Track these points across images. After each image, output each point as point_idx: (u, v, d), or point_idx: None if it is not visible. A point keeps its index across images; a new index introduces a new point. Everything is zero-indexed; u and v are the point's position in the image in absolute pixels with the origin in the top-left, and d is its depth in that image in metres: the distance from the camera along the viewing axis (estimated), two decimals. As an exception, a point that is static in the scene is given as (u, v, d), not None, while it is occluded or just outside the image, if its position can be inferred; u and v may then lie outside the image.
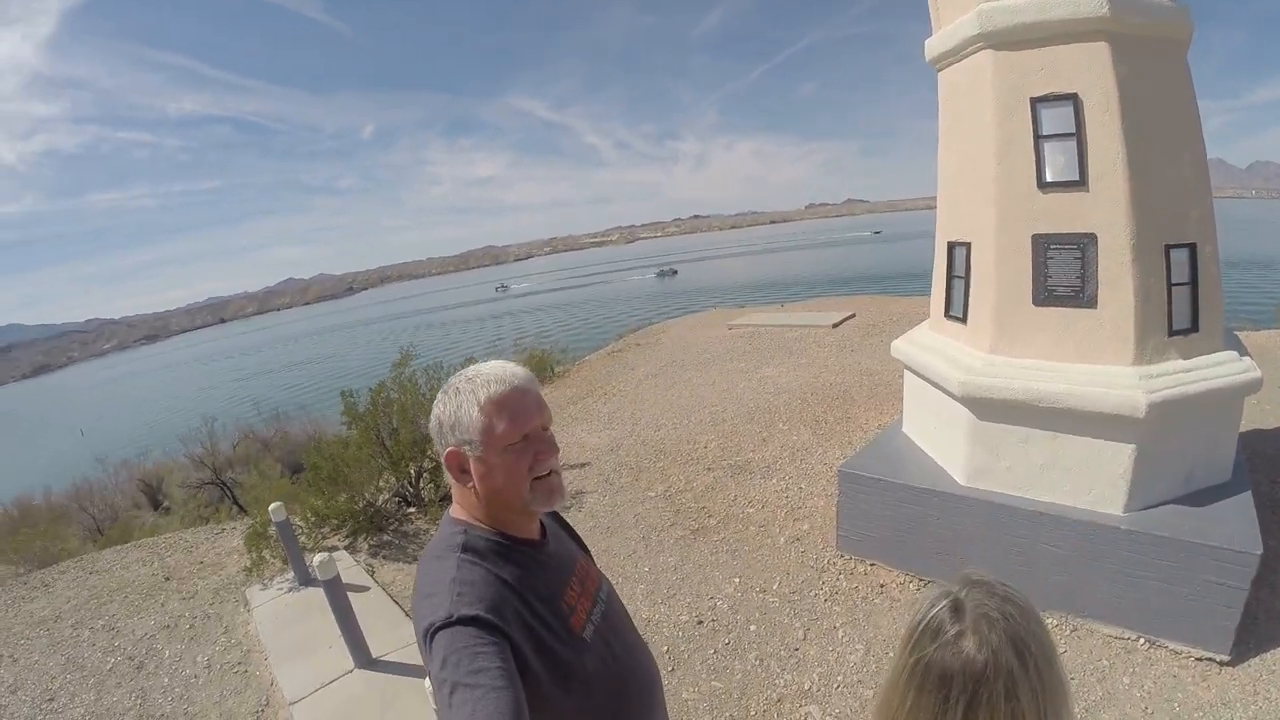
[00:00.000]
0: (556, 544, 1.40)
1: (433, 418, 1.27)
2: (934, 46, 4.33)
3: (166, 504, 15.12)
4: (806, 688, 3.55)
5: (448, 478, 1.27)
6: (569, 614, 1.28)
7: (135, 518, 13.41)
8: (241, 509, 12.41)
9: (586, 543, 1.63)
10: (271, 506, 5.11)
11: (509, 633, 1.11)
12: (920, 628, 0.89)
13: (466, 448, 1.22)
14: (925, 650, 0.86)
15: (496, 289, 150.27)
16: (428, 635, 1.09)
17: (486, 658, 1.02)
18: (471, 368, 1.29)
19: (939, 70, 4.42)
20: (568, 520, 1.62)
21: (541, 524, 1.39)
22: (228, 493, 14.64)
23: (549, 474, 1.27)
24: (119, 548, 6.72)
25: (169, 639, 4.76)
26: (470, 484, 1.24)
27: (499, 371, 1.26)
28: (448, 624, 1.07)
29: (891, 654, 0.94)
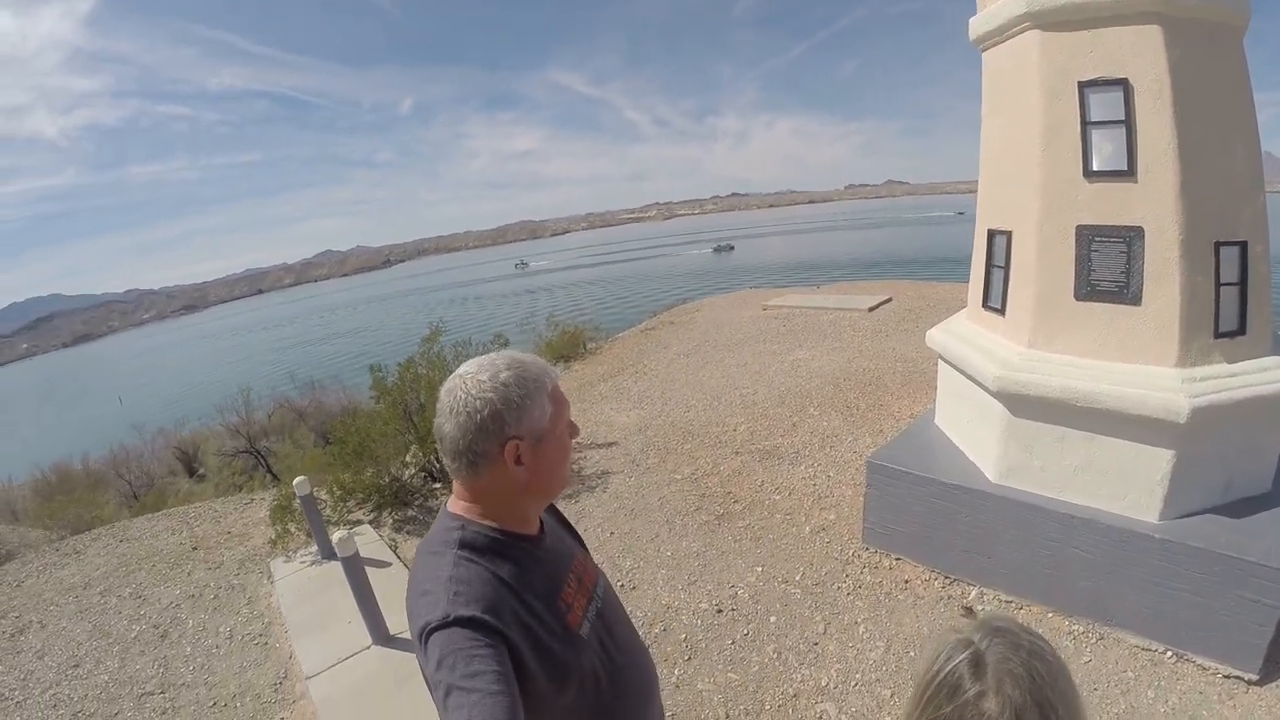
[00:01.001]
0: (554, 540, 1.39)
1: (478, 407, 1.17)
2: (978, 25, 4.14)
3: (201, 471, 15.51)
4: (824, 684, 3.50)
5: (460, 468, 1.21)
6: (566, 611, 1.26)
7: (171, 484, 13.78)
8: (275, 477, 12.66)
9: (590, 535, 1.60)
10: (296, 481, 5.18)
11: (506, 633, 1.09)
12: (936, 682, 0.81)
13: (530, 438, 1.20)
14: (942, 710, 0.79)
15: (516, 265, 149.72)
16: (423, 635, 1.08)
17: (483, 660, 1.01)
18: (487, 358, 1.25)
19: (983, 50, 4.23)
20: (565, 514, 1.61)
21: (540, 519, 1.37)
22: (262, 461, 14.95)
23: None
24: (150, 516, 6.90)
25: (193, 608, 4.87)
26: (521, 475, 1.21)
27: (537, 361, 1.27)
28: (444, 624, 1.06)
29: (903, 699, 0.87)
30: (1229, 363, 3.38)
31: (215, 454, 15.82)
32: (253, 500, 7.14)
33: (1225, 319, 3.38)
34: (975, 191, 4.53)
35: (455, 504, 1.27)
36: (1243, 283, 3.41)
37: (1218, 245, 3.32)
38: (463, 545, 1.19)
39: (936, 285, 14.88)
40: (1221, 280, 3.34)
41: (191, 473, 15.66)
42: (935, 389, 4.95)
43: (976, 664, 0.79)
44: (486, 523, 1.23)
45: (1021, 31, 3.71)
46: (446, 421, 1.19)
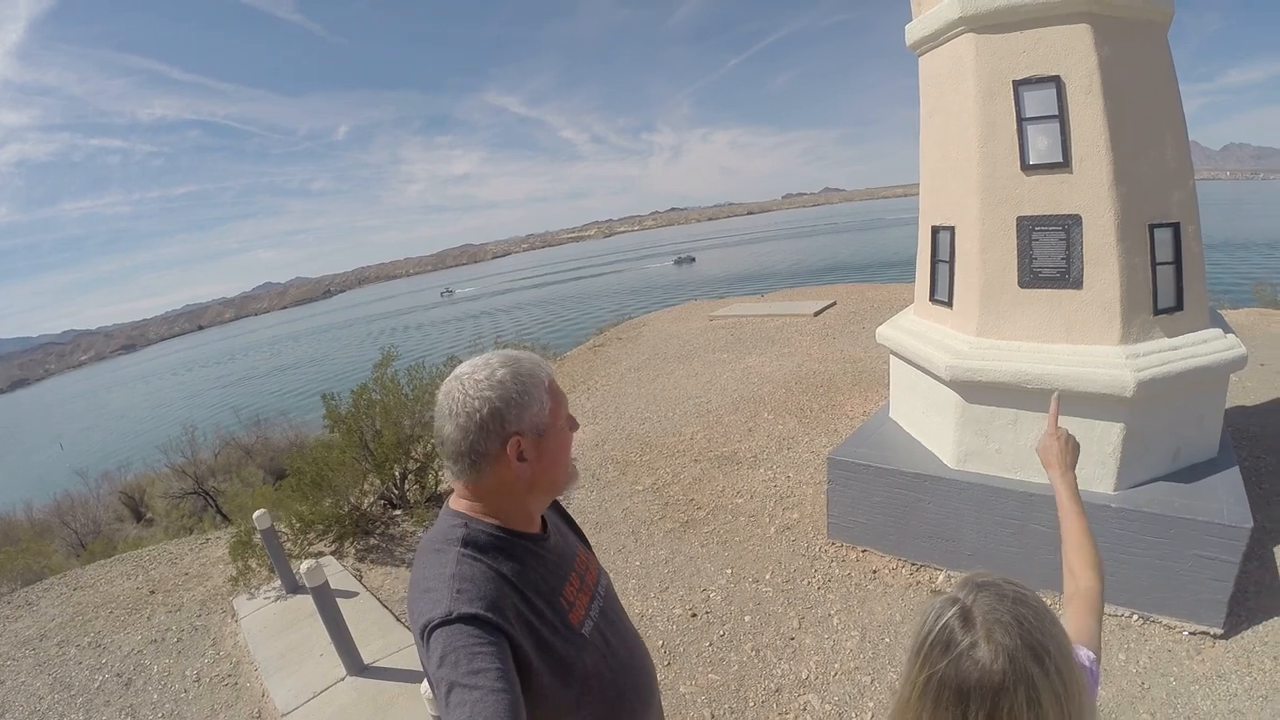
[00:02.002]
0: (557, 537, 1.38)
1: (476, 407, 1.17)
2: (915, 31, 4.31)
3: (149, 515, 14.91)
4: (804, 676, 3.54)
5: (462, 469, 1.20)
6: (568, 609, 1.26)
7: (118, 530, 13.20)
8: (225, 517, 12.23)
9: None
10: (256, 514, 5.02)
11: (509, 630, 1.09)
12: (929, 641, 0.84)
13: (531, 433, 1.20)
14: (938, 665, 0.81)
15: (442, 294, 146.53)
16: (425, 632, 1.07)
17: (485, 658, 1.00)
18: (483, 358, 1.25)
19: (920, 55, 4.40)
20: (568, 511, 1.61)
21: (542, 516, 1.36)
22: (210, 502, 14.45)
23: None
24: (102, 562, 6.58)
25: (157, 653, 4.66)
26: (524, 471, 1.21)
27: (532, 356, 1.26)
28: (446, 621, 1.05)
29: (897, 670, 0.89)
30: (1169, 337, 3.58)
31: (162, 496, 15.22)
32: (208, 540, 6.88)
33: (1163, 296, 3.58)
34: (913, 195, 4.67)
35: (457, 502, 1.26)
36: (1177, 262, 3.62)
37: (1151, 228, 3.53)
38: (465, 543, 1.18)
39: (879, 287, 15.30)
40: (1157, 260, 3.54)
41: (139, 517, 15.04)
42: (886, 388, 5.09)
43: (965, 617, 0.82)
44: (489, 520, 1.23)
45: (957, 35, 3.89)
46: (446, 424, 1.18)
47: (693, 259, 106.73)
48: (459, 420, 1.17)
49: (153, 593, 5.60)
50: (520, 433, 1.18)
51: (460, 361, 1.28)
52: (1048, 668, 0.77)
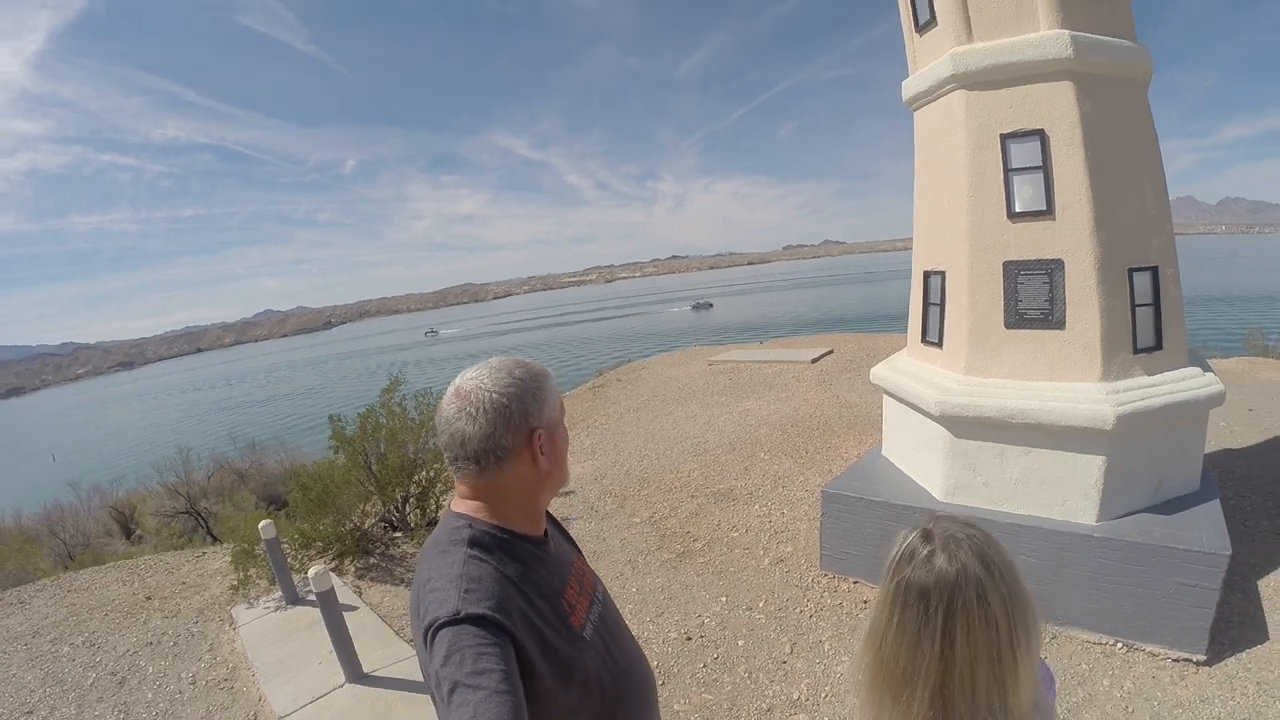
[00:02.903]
0: (556, 542, 1.40)
1: (500, 403, 1.20)
2: (910, 87, 4.60)
3: (139, 532, 14.80)
4: (795, 698, 3.62)
5: (483, 467, 1.22)
6: (570, 612, 1.28)
7: (106, 545, 13.09)
8: (215, 539, 12.17)
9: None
10: (261, 524, 5.11)
11: (513, 631, 1.10)
12: (898, 557, 1.01)
13: (546, 428, 1.25)
14: (904, 573, 0.98)
15: (426, 334, 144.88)
16: (430, 631, 1.07)
17: (490, 659, 1.01)
18: (488, 363, 1.29)
19: (915, 110, 4.69)
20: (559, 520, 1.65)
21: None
22: (201, 523, 14.37)
23: None
24: (97, 568, 6.62)
25: (152, 655, 4.70)
26: (543, 465, 1.25)
27: (533, 361, 1.31)
28: (454, 621, 1.06)
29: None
30: (1149, 375, 3.78)
31: (153, 514, 15.15)
32: (205, 554, 6.93)
33: (1142, 336, 3.79)
34: (909, 249, 4.93)
35: (460, 504, 1.27)
36: (1156, 303, 3.84)
37: (1131, 271, 3.75)
38: (472, 543, 1.19)
39: (876, 337, 15.58)
40: (1136, 302, 3.75)
41: (128, 534, 14.92)
42: (879, 431, 5.26)
43: (926, 535, 1.00)
44: (493, 522, 1.24)
45: (949, 92, 4.17)
46: (469, 424, 1.18)
47: (710, 304, 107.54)
48: (488, 416, 1.18)
49: (149, 598, 5.64)
50: (540, 427, 1.23)
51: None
52: (994, 574, 0.94)
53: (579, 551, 1.57)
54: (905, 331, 5.14)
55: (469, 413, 1.19)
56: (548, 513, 1.43)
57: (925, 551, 0.97)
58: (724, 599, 4.66)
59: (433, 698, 1.06)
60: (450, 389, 1.25)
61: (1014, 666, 0.93)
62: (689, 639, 4.25)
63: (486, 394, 1.20)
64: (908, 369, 4.70)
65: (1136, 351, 3.77)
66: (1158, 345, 3.85)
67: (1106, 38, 3.77)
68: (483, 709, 0.94)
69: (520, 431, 1.21)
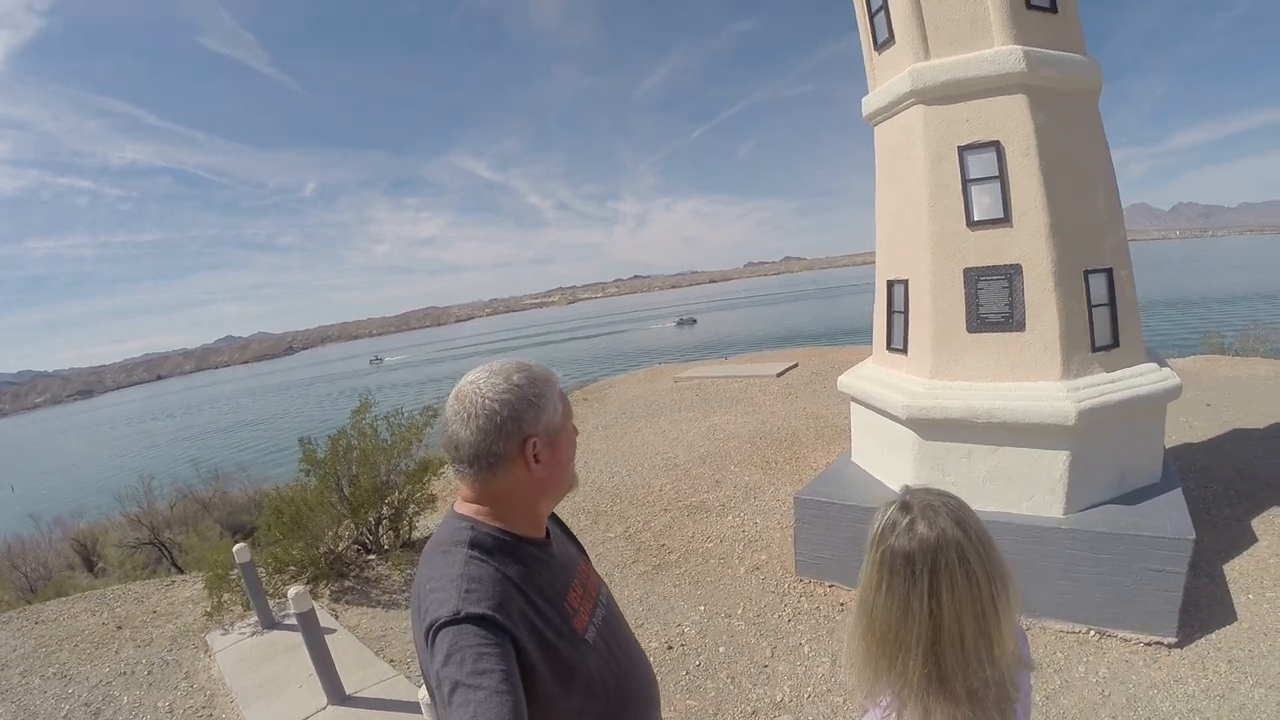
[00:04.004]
0: (559, 545, 1.40)
1: (496, 408, 1.20)
2: (870, 103, 4.77)
3: (101, 565, 14.36)
4: (779, 699, 3.68)
5: (477, 472, 1.22)
6: (572, 615, 1.27)
7: (69, 578, 12.68)
8: (179, 570, 11.88)
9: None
10: (236, 548, 5.03)
11: (514, 632, 1.10)
12: (880, 529, 1.07)
13: (545, 436, 1.23)
14: (888, 542, 1.04)
15: (371, 361, 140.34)
16: (431, 631, 1.07)
17: (490, 659, 1.01)
18: (491, 365, 1.27)
19: (875, 125, 4.86)
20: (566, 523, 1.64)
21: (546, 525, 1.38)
22: (166, 554, 14.01)
23: None
24: (63, 599, 6.43)
25: (126, 685, 4.58)
26: (538, 472, 1.24)
27: (540, 365, 1.29)
28: (454, 621, 1.06)
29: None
30: (1107, 371, 3.95)
31: (116, 546, 14.73)
32: (175, 582, 6.78)
33: (1100, 335, 3.96)
34: (870, 263, 5.08)
35: (463, 506, 1.27)
36: (1112, 303, 4.02)
37: (1086, 273, 3.93)
38: (473, 545, 1.19)
39: (840, 349, 15.87)
40: (1093, 302, 3.93)
41: (91, 566, 14.46)
42: (847, 440, 5.38)
43: (905, 507, 1.07)
44: (495, 524, 1.24)
45: (908, 107, 4.34)
46: (462, 428, 1.19)
47: (694, 320, 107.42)
48: (479, 422, 1.18)
49: (119, 628, 5.50)
50: (535, 435, 1.21)
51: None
52: (969, 533, 1.02)
53: (585, 555, 1.56)
54: (868, 343, 5.27)
55: (463, 417, 1.19)
56: (554, 515, 1.44)
57: (905, 521, 1.04)
58: (702, 608, 4.71)
59: (433, 697, 1.07)
60: (453, 390, 1.25)
61: (997, 619, 1.01)
62: (670, 648, 4.29)
63: (481, 399, 1.19)
64: (874, 376, 4.83)
65: (1095, 350, 3.94)
66: (1115, 343, 4.02)
67: (1058, 52, 3.97)
68: (483, 709, 0.95)
69: (513, 439, 1.20)
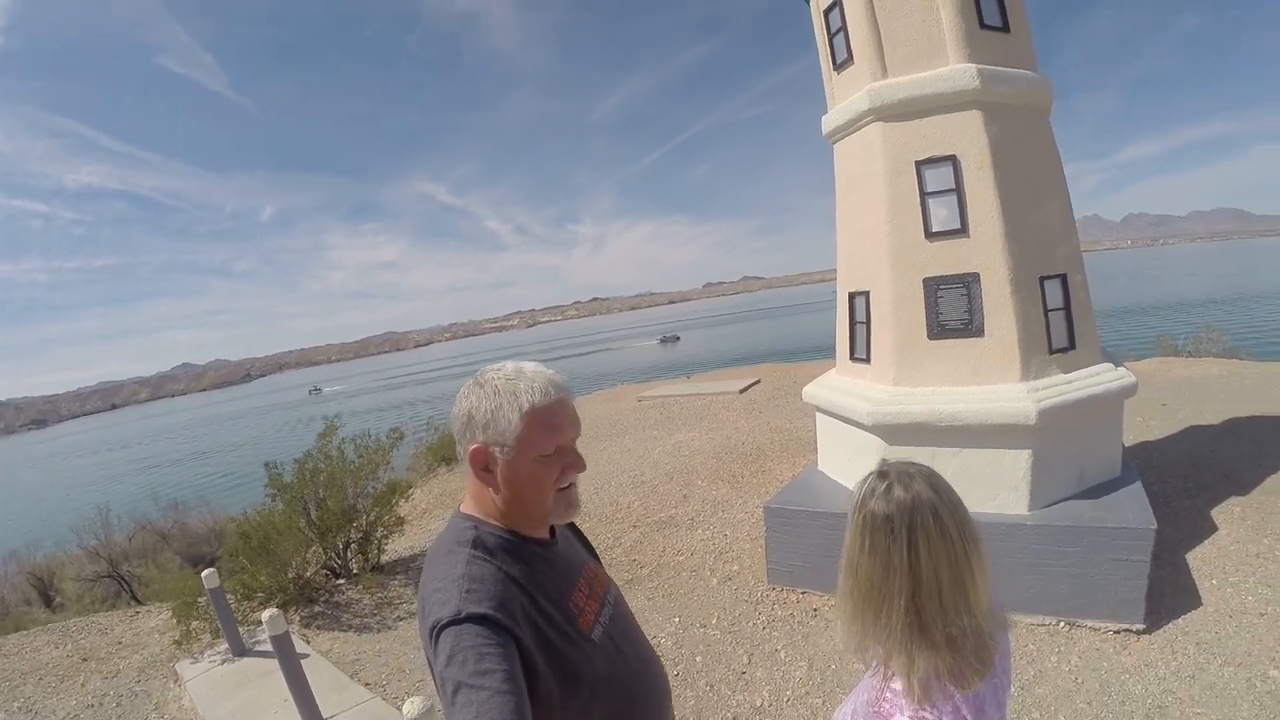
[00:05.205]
0: (565, 545, 1.39)
1: (460, 410, 1.21)
2: (829, 122, 4.92)
3: (59, 599, 13.88)
4: (758, 704, 3.72)
5: (465, 470, 1.24)
6: (577, 615, 1.26)
7: (26, 613, 12.22)
8: (139, 603, 11.55)
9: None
10: (205, 573, 4.94)
11: (516, 632, 1.09)
12: (861, 496, 1.17)
13: (496, 449, 1.19)
14: (869, 506, 1.14)
15: (310, 392, 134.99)
16: (434, 631, 1.07)
17: (493, 659, 1.01)
18: (510, 365, 1.25)
19: (835, 143, 5.01)
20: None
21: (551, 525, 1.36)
22: (125, 587, 13.61)
23: (569, 486, 1.27)
24: (25, 632, 6.23)
25: (95, 717, 4.46)
26: (492, 483, 1.22)
27: (543, 378, 1.22)
28: (455, 621, 1.06)
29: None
30: (1065, 372, 4.12)
31: (73, 579, 14.25)
32: (139, 613, 6.61)
33: (1056, 338, 4.13)
34: (826, 281, 5.22)
35: (467, 504, 1.28)
36: (1067, 307, 4.19)
37: (1042, 279, 4.10)
38: (475, 545, 1.19)
39: (801, 365, 16.10)
40: (1049, 307, 4.11)
41: (48, 601, 13.95)
42: (812, 453, 5.47)
43: (883, 475, 1.16)
44: (496, 524, 1.24)
45: (867, 124, 4.49)
46: (453, 423, 1.23)
47: (677, 338, 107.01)
48: (456, 419, 1.22)
49: (85, 660, 5.36)
50: (486, 444, 1.19)
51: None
52: (941, 495, 1.12)
53: (594, 555, 1.57)
54: (829, 359, 5.38)
55: (453, 412, 1.22)
56: None
57: (883, 486, 1.14)
58: (677, 619, 4.74)
59: (441, 697, 1.06)
60: None
61: (970, 572, 1.10)
62: (646, 660, 4.31)
63: (461, 397, 1.22)
64: (839, 385, 4.93)
65: (1052, 352, 4.10)
66: (1071, 345, 4.19)
67: (1009, 69, 4.16)
68: (485, 709, 0.95)
69: (466, 443, 1.21)
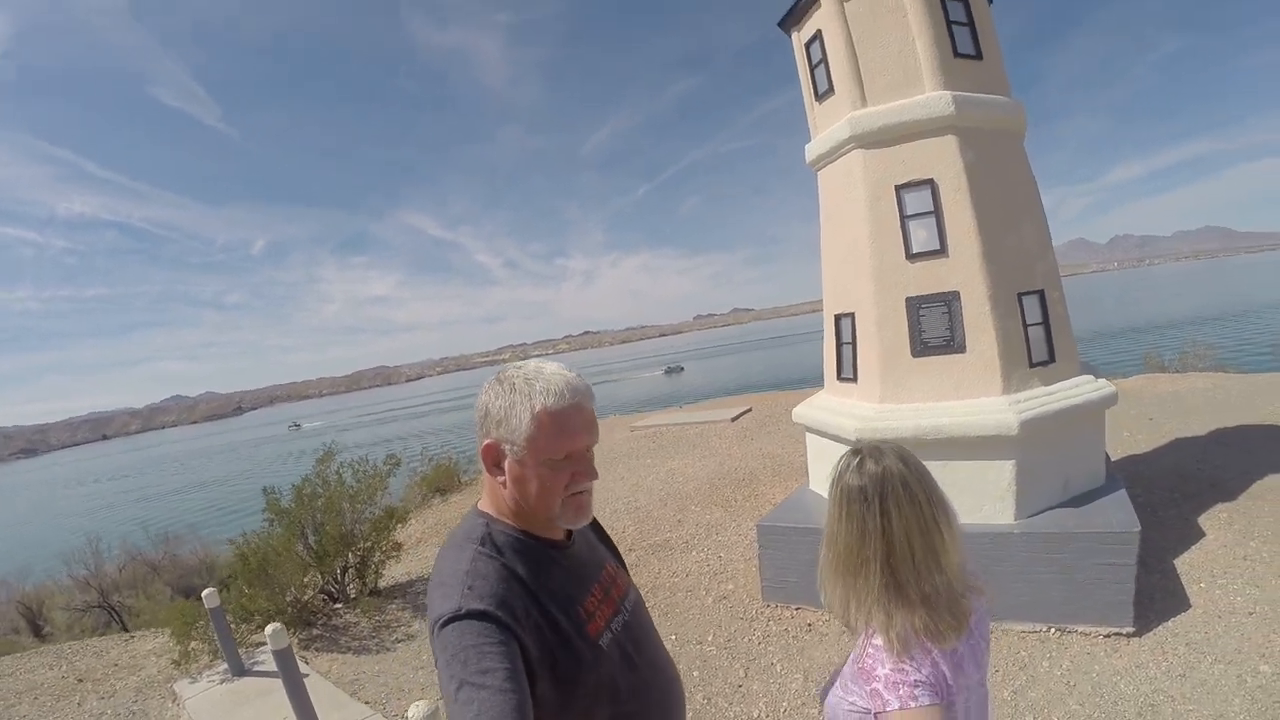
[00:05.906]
0: (583, 548, 1.38)
1: (480, 404, 1.22)
2: (813, 150, 5.11)
3: (48, 629, 13.73)
4: (755, 716, 3.77)
5: (480, 465, 1.25)
6: (586, 620, 1.24)
7: (15, 642, 12.10)
8: (130, 633, 11.44)
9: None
10: (205, 593, 4.96)
11: (517, 631, 1.09)
12: (838, 473, 1.29)
13: (507, 446, 1.19)
14: (844, 481, 1.26)
15: (289, 427, 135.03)
16: (436, 627, 1.08)
17: (494, 657, 1.02)
18: (532, 364, 1.25)
19: (818, 170, 5.19)
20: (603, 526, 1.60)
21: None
22: (115, 617, 13.48)
23: (581, 492, 1.25)
24: (19, 654, 6.21)
25: (92, 737, 4.49)
26: (502, 480, 1.22)
27: (560, 381, 1.21)
28: (456, 617, 1.06)
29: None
30: (1046, 385, 4.26)
31: (63, 609, 14.12)
32: (134, 636, 6.61)
33: (1036, 352, 4.28)
34: (815, 312, 5.37)
35: (483, 501, 1.29)
36: (1046, 322, 4.35)
37: (1020, 296, 4.26)
38: (484, 541, 1.20)
39: (792, 393, 16.22)
40: (1028, 322, 4.26)
41: (37, 630, 13.79)
42: (804, 476, 5.55)
43: (856, 452, 1.28)
44: (509, 522, 1.24)
45: (848, 151, 4.68)
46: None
47: (681, 368, 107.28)
48: (477, 413, 1.23)
49: (81, 681, 5.35)
50: (496, 441, 1.20)
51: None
52: (910, 466, 1.23)
53: (618, 558, 1.54)
54: (819, 387, 5.50)
55: (475, 405, 1.24)
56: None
57: (856, 461, 1.26)
58: (673, 636, 4.79)
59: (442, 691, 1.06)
60: None
61: (940, 535, 1.21)
62: (644, 676, 4.35)
63: (482, 392, 1.23)
64: (827, 405, 5.05)
65: (1033, 365, 4.25)
66: (1051, 359, 4.34)
67: (983, 95, 4.36)
68: (486, 707, 0.95)
69: (481, 438, 1.22)
